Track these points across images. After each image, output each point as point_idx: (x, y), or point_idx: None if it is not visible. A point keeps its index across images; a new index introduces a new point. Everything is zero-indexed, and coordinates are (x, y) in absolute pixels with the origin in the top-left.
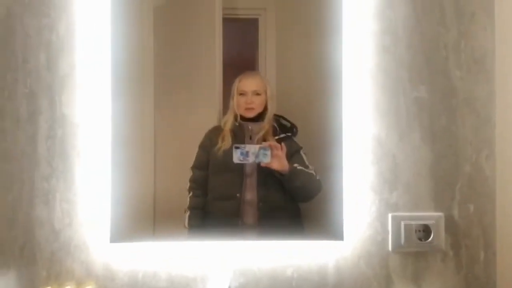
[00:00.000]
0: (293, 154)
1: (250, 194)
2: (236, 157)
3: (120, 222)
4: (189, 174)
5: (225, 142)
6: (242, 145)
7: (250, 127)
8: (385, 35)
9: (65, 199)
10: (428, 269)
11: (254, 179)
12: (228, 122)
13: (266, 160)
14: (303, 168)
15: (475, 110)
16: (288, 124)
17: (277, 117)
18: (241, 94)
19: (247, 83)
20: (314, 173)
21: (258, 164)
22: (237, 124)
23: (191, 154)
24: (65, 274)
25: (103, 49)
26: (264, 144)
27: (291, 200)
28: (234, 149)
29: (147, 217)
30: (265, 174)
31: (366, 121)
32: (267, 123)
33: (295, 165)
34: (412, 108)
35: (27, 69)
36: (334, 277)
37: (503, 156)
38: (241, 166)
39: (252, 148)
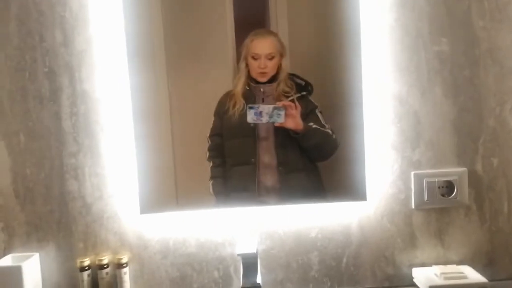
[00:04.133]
0: (308, 114)
1: (268, 157)
2: (250, 118)
3: (147, 194)
4: (206, 141)
5: (237, 106)
6: (256, 105)
7: (262, 89)
8: None
9: (93, 173)
10: (452, 223)
11: (271, 142)
12: (239, 85)
13: (280, 120)
14: (319, 127)
15: (498, 60)
16: (303, 83)
17: (291, 76)
18: (254, 57)
19: (261, 46)
20: (330, 131)
21: (274, 127)
22: (247, 88)
23: (207, 121)
24: (100, 245)
25: (117, 22)
26: (278, 103)
27: (310, 161)
28: (248, 109)
29: (169, 187)
30: (282, 136)
31: (386, 79)
32: (280, 84)
33: (310, 123)
34: (433, 63)
35: (45, 48)
36: (358, 236)
37: None
38: (254, 130)
39: (266, 108)
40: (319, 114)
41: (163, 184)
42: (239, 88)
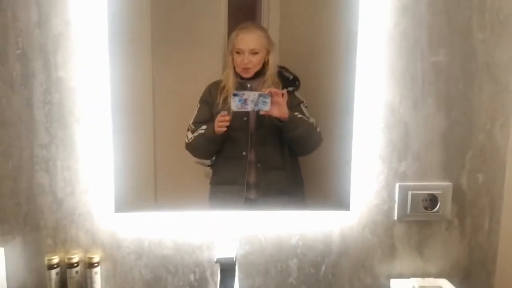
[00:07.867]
0: (293, 108)
1: (253, 154)
2: (234, 105)
3: (124, 191)
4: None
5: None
6: (240, 92)
7: (248, 85)
8: None
9: (66, 167)
10: (432, 236)
11: (255, 138)
12: (230, 81)
13: (265, 107)
14: (303, 117)
15: (494, 76)
16: (291, 76)
17: (279, 69)
18: (238, 52)
19: (245, 41)
20: (314, 124)
21: (257, 122)
22: (236, 84)
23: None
24: (70, 242)
25: (99, 5)
26: (264, 90)
27: (290, 160)
28: (232, 97)
29: (148, 185)
30: (264, 133)
31: (379, 86)
32: (267, 80)
33: (296, 113)
34: (429, 73)
35: (18, 28)
36: (339, 245)
37: None
38: (246, 124)
39: (251, 95)
40: (304, 109)
41: (142, 182)
42: (231, 83)
